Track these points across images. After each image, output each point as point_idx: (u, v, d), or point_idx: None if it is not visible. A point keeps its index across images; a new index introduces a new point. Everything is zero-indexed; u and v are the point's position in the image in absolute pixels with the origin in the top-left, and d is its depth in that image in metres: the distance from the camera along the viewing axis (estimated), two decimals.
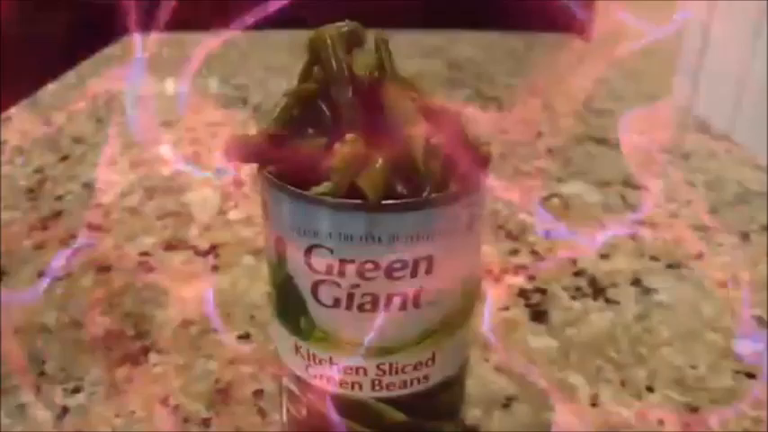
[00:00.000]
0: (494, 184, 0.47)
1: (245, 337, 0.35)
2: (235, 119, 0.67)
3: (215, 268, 0.41)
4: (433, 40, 1.01)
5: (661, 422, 0.30)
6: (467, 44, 1.00)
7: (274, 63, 0.87)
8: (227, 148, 0.22)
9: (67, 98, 0.75)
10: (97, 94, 0.75)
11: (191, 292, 0.38)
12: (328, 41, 0.22)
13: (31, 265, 0.41)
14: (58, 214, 0.48)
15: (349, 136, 0.20)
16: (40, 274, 0.40)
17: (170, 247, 0.43)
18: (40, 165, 0.57)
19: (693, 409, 0.31)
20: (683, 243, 0.46)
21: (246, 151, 0.22)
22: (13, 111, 0.71)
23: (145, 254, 0.43)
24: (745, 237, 0.47)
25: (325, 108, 0.22)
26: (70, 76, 0.83)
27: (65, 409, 0.30)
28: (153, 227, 0.46)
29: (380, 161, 0.20)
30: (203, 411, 0.30)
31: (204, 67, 0.81)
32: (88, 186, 0.52)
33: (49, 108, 0.71)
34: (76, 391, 0.31)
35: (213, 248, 0.43)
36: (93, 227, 0.46)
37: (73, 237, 0.45)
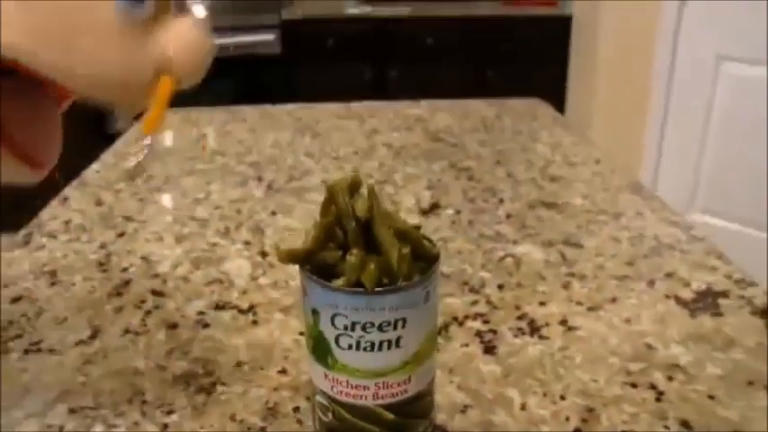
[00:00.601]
0: (463, 247, 0.62)
1: (282, 371, 0.49)
2: (254, 196, 0.82)
3: (254, 323, 0.56)
4: (416, 111, 1.17)
5: (567, 419, 0.45)
6: (445, 113, 1.16)
7: (282, 140, 1.02)
8: (281, 256, 0.37)
9: (110, 178, 0.90)
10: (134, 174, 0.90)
11: (240, 341, 0.53)
12: (339, 191, 0.37)
13: (116, 325, 0.56)
14: (126, 283, 0.63)
15: (354, 250, 0.35)
16: (126, 331, 0.55)
17: (218, 307, 0.58)
18: (103, 241, 0.71)
19: (590, 410, 0.45)
20: (603, 290, 0.60)
21: (293, 258, 0.37)
22: (67, 191, 0.86)
23: (201, 313, 0.57)
24: (651, 283, 0.62)
25: (339, 232, 0.37)
26: (108, 156, 0.99)
27: (165, 426, 0.44)
28: (202, 292, 0.61)
29: (372, 265, 0.35)
30: (259, 423, 0.44)
31: (220, 145, 0.97)
32: (146, 259, 0.67)
33: (97, 188, 0.86)
34: (171, 412, 0.46)
35: (252, 307, 0.58)
36: (156, 293, 0.61)
37: (143, 301, 0.60)
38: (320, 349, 0.38)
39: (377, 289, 0.35)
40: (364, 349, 0.36)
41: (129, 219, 0.77)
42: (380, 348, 0.36)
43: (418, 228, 0.39)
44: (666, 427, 0.44)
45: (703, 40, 2.36)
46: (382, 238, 0.36)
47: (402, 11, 2.86)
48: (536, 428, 0.44)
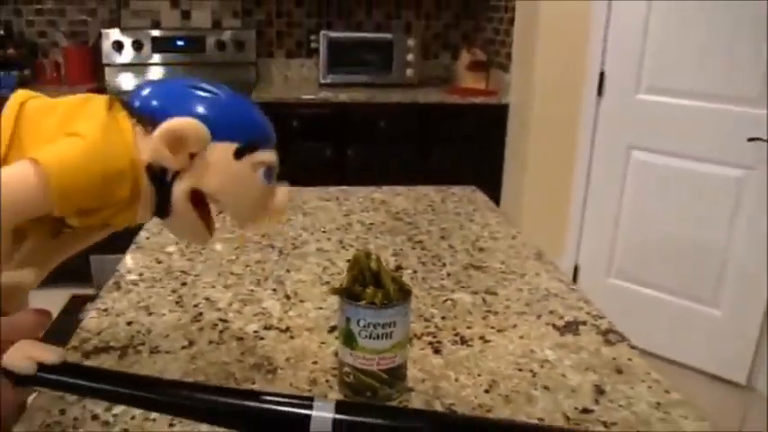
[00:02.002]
0: (419, 294, 0.99)
1: (314, 363, 0.83)
2: (271, 258, 1.16)
3: (291, 337, 0.89)
4: (380, 196, 1.53)
5: (481, 385, 0.79)
6: (402, 197, 1.52)
7: (282, 218, 1.37)
8: (332, 291, 0.72)
9: (160, 242, 1.22)
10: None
11: (285, 347, 0.86)
12: (361, 257, 0.72)
13: (203, 338, 0.89)
14: (200, 314, 0.96)
15: (370, 287, 0.70)
16: (210, 341, 0.88)
17: (266, 328, 0.91)
18: (173, 287, 1.04)
19: (494, 381, 0.80)
20: (508, 320, 0.96)
21: (337, 292, 0.72)
22: (129, 252, 1.18)
23: (255, 332, 0.90)
24: (538, 317, 0.97)
25: (360, 278, 0.72)
26: (151, 224, 1.31)
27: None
28: (252, 320, 0.94)
29: (380, 294, 0.70)
30: (307, 388, 0.78)
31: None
32: (208, 299, 1.00)
33: (152, 251, 1.19)
34: (253, 383, 0.79)
35: (287, 329, 0.91)
36: (222, 320, 0.94)
37: (215, 325, 0.92)
38: (349, 340, 0.72)
39: (382, 306, 0.70)
40: (373, 338, 0.71)
41: (185, 273, 1.10)
42: (382, 338, 0.71)
43: (400, 277, 0.74)
44: (536, 390, 0.79)
45: (616, 132, 2.81)
46: (384, 280, 0.71)
47: (358, 97, 3.26)
48: (463, 390, 0.78)
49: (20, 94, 0.64)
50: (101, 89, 3.37)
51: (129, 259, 1.15)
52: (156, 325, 0.92)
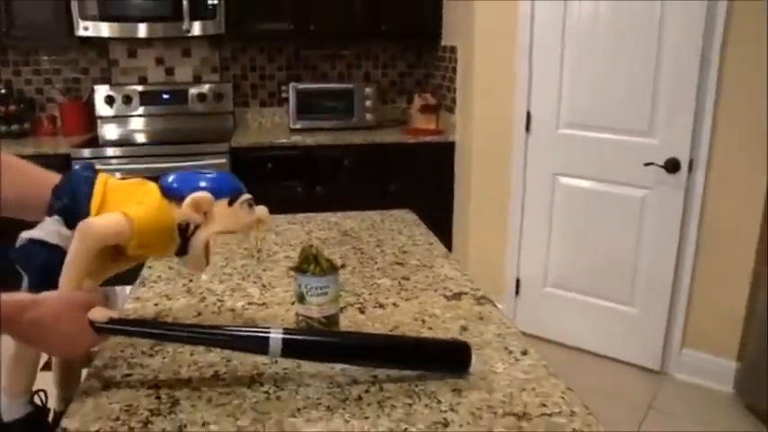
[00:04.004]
0: (356, 281, 1.45)
1: (284, 320, 1.28)
2: (252, 263, 1.60)
3: (268, 306, 1.34)
4: (335, 219, 1.98)
5: (387, 325, 1.25)
6: (351, 220, 1.98)
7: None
8: (291, 269, 1.18)
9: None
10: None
11: (271, 312, 1.31)
12: (307, 248, 1.18)
13: (222, 318, 1.33)
14: (220, 309, 1.40)
15: (312, 264, 1.16)
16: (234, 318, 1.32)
17: (259, 305, 1.36)
18: (184, 283, 1.48)
19: (396, 327, 1.26)
20: (414, 293, 1.41)
21: (295, 269, 1.18)
22: (146, 266, 1.63)
23: (243, 306, 1.35)
24: (435, 291, 1.43)
25: (307, 260, 1.17)
26: None
27: None
28: (239, 299, 1.39)
29: (319, 268, 1.16)
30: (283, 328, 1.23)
31: (221, 239, 1.75)
32: (209, 289, 1.45)
33: (164, 262, 1.63)
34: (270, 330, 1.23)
35: (264, 303, 1.36)
36: (240, 307, 1.39)
37: (233, 309, 1.37)
38: (301, 298, 1.17)
39: (320, 275, 1.15)
40: (315, 296, 1.16)
41: (191, 274, 1.54)
42: (320, 296, 1.16)
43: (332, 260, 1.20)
44: (422, 330, 1.24)
45: (544, 162, 3.30)
46: (320, 260, 1.16)
47: (324, 140, 3.73)
48: (374, 329, 1.23)
49: (103, 176, 1.10)
50: (94, 138, 3.80)
51: (147, 270, 1.59)
52: (173, 305, 1.37)
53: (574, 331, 3.26)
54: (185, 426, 0.94)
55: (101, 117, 3.96)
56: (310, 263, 1.17)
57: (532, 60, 3.20)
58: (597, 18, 2.98)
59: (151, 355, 1.15)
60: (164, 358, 1.14)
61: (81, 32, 3.53)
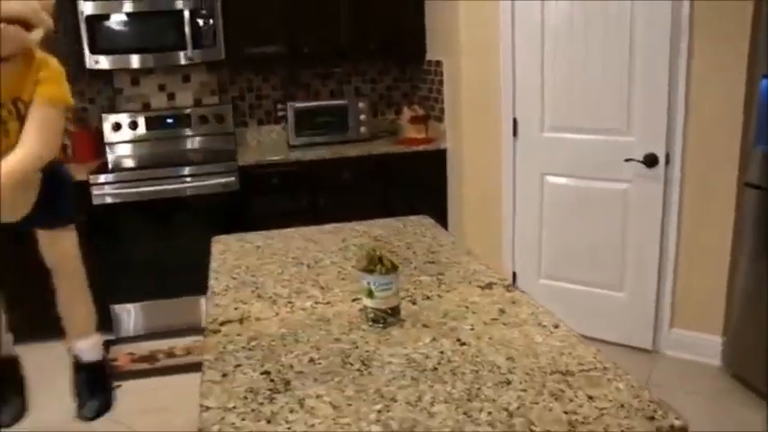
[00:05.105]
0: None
1: (349, 313, 1.52)
2: (304, 269, 1.85)
3: (331, 304, 1.59)
4: (362, 228, 2.23)
5: (438, 311, 1.50)
6: (377, 227, 2.23)
7: (301, 246, 2.06)
8: (356, 268, 1.43)
9: (227, 269, 1.90)
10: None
11: (337, 309, 1.56)
12: (371, 249, 1.43)
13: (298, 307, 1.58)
14: (274, 302, 1.64)
15: (378, 265, 1.41)
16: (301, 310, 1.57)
17: (325, 303, 1.61)
18: (252, 290, 1.72)
19: (445, 314, 1.51)
20: (451, 285, 1.66)
21: (359, 268, 1.42)
22: (211, 279, 1.86)
23: (312, 305, 1.60)
24: (470, 283, 1.68)
25: (372, 260, 1.42)
26: (220, 270, 1.99)
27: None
28: (306, 300, 1.63)
29: (384, 268, 1.41)
30: (353, 323, 1.47)
31: (275, 250, 1.99)
32: (276, 294, 1.69)
33: (224, 274, 1.87)
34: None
35: (328, 302, 1.60)
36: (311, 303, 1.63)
37: (304, 309, 1.61)
38: (370, 293, 1.42)
39: (386, 274, 1.40)
40: (382, 291, 1.41)
41: (254, 283, 1.78)
42: (386, 290, 1.41)
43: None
44: (467, 315, 1.49)
45: (531, 164, 3.57)
46: (384, 260, 1.41)
47: (324, 154, 3.97)
48: (429, 318, 1.48)
49: None
50: (104, 163, 4.00)
51: (213, 281, 1.83)
52: (251, 309, 1.61)
53: (569, 318, 3.52)
54: (303, 399, 1.18)
55: (109, 143, 4.16)
56: (376, 263, 1.42)
57: (515, 70, 3.47)
58: (572, 23, 3.26)
59: (251, 349, 1.39)
60: (263, 351, 1.38)
61: (92, 66, 3.75)
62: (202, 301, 3.85)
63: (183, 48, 3.81)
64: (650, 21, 3.04)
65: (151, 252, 3.79)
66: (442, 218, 4.08)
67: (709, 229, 3.12)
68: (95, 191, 3.64)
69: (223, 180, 3.75)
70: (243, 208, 3.80)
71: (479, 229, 3.80)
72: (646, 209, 3.24)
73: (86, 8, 3.69)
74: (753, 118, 2.90)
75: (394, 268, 1.43)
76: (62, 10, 3.70)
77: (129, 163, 4.06)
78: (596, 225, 3.40)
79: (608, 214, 3.35)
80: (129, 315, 3.85)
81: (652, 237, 3.26)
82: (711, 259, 3.15)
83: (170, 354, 3.57)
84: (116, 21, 3.76)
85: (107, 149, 4.17)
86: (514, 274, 3.76)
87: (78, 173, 3.74)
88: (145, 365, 3.47)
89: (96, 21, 3.72)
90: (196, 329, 3.83)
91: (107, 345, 3.71)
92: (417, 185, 4.02)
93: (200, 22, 3.81)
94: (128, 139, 4.18)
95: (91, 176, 3.65)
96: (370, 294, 1.43)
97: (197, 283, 3.77)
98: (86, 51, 3.73)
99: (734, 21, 2.88)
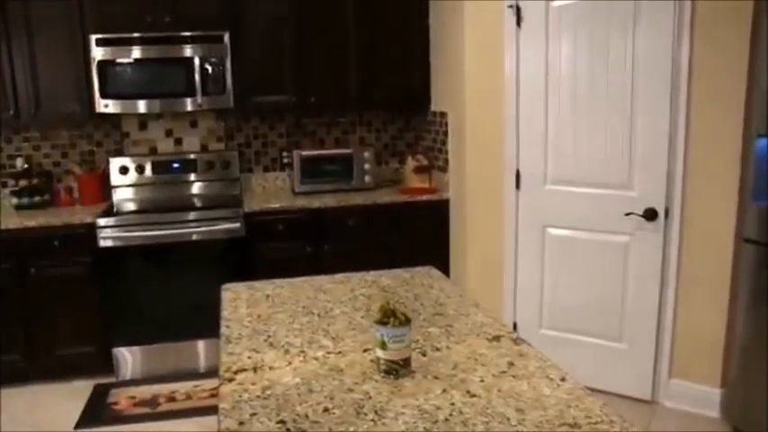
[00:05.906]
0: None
1: (362, 365, 1.56)
2: (315, 319, 1.89)
3: (344, 354, 1.63)
4: (371, 278, 2.28)
5: (450, 360, 1.54)
6: (386, 278, 2.28)
7: (311, 296, 2.10)
8: (374, 320, 1.47)
9: (238, 318, 1.94)
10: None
11: (349, 359, 1.59)
12: (386, 303, 1.47)
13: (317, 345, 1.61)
14: (287, 351, 1.68)
15: (392, 318, 1.45)
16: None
17: (337, 354, 1.64)
18: (264, 338, 1.76)
19: (457, 365, 1.55)
20: (459, 336, 1.71)
21: (376, 321, 1.47)
22: (222, 327, 1.90)
23: (324, 355, 1.63)
24: (477, 335, 1.72)
25: (386, 314, 1.47)
26: (233, 318, 2.03)
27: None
28: (318, 350, 1.67)
29: (397, 321, 1.45)
30: (368, 373, 1.51)
31: (282, 300, 2.03)
32: (289, 343, 1.72)
33: (235, 322, 1.90)
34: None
35: (340, 352, 1.64)
36: (324, 355, 1.67)
37: (328, 352, 1.65)
38: (383, 345, 1.46)
39: (399, 326, 1.45)
40: (395, 343, 1.45)
41: (266, 332, 1.82)
42: (399, 342, 1.46)
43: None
44: (476, 367, 1.53)
45: (533, 215, 3.63)
46: (397, 314, 1.46)
47: (329, 202, 4.03)
48: (439, 370, 1.52)
49: None
50: (110, 206, 4.05)
51: (225, 329, 1.86)
52: (264, 357, 1.64)
53: (569, 368, 3.55)
54: None
55: (115, 186, 4.22)
56: (389, 316, 1.47)
57: (519, 122, 3.56)
58: (576, 79, 3.35)
59: (266, 398, 1.42)
60: (277, 400, 1.41)
61: (101, 110, 3.83)
62: (203, 345, 3.90)
63: (193, 94, 3.90)
64: (650, 77, 3.14)
65: (154, 296, 3.83)
66: (443, 267, 4.12)
67: (707, 281, 3.17)
68: (101, 233, 3.69)
69: (228, 226, 3.81)
70: (247, 253, 3.85)
71: (481, 278, 3.84)
72: (645, 261, 3.29)
73: (98, 54, 3.79)
74: (750, 175, 2.97)
75: (407, 321, 1.48)
76: (74, 55, 3.83)
77: (135, 206, 4.11)
78: (597, 276, 3.45)
79: (608, 266, 3.40)
80: (131, 358, 3.86)
81: (651, 288, 3.30)
82: (709, 311, 3.19)
83: (171, 398, 3.57)
84: (126, 66, 3.86)
85: (113, 193, 4.23)
86: (515, 324, 3.79)
87: (84, 215, 3.80)
88: (146, 410, 3.47)
89: (107, 66, 3.81)
90: (197, 374, 3.86)
91: (108, 388, 3.73)
92: (420, 234, 4.08)
93: (210, 69, 3.91)
94: (134, 182, 4.24)
95: (97, 219, 3.70)
96: (383, 346, 1.47)
97: (199, 328, 3.88)
98: (97, 95, 3.81)
99: (731, 77, 2.98)
